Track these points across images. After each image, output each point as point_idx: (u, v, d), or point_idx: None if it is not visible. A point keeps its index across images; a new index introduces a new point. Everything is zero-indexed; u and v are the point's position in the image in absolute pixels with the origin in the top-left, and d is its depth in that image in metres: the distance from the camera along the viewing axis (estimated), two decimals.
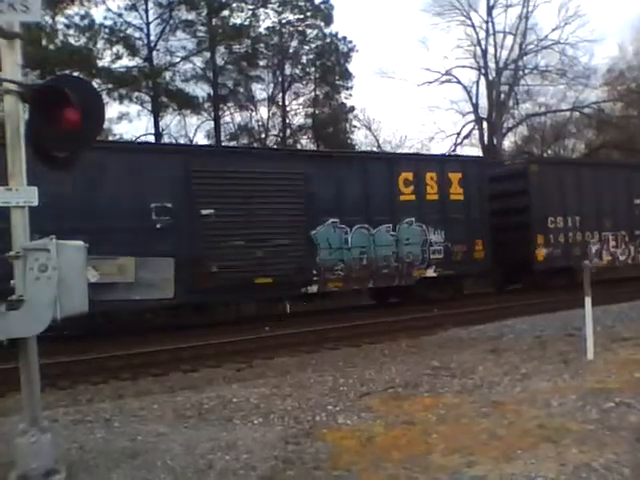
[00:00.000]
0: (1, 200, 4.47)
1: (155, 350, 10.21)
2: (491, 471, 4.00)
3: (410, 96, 56.61)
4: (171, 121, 28.56)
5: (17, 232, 4.55)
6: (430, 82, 34.69)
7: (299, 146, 29.28)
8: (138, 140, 24.20)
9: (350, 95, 32.11)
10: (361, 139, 34.12)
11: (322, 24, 30.79)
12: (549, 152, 36.86)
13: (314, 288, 14.30)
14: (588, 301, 7.54)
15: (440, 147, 35.26)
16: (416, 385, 6.60)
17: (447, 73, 34.52)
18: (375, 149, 31.59)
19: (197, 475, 4.25)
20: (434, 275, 16.16)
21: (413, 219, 15.92)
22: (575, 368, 6.90)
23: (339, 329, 12.37)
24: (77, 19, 24.94)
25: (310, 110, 31.82)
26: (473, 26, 34.22)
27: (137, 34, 26.87)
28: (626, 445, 4.29)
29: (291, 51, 30.76)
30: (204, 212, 12.95)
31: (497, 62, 34.11)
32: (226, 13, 28.56)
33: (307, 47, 31.17)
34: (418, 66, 52.31)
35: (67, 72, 22.76)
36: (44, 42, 22.90)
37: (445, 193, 16.54)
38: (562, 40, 33.30)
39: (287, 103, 31.27)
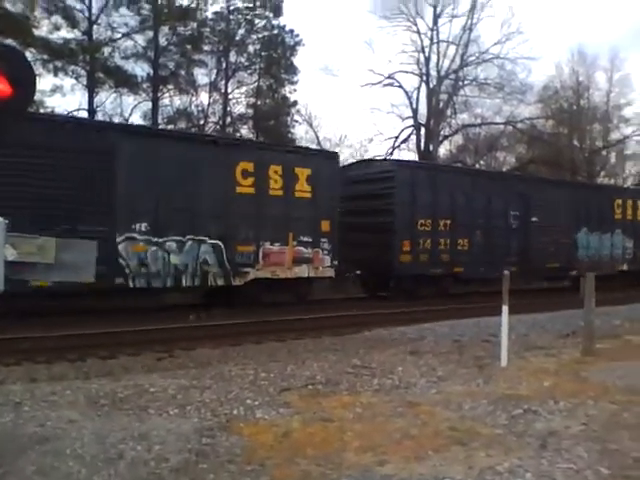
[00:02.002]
0: None
1: (73, 334, 9.89)
2: (402, 470, 4.09)
3: (352, 96, 57.02)
4: (106, 98, 27.67)
5: None
6: (373, 84, 35.02)
7: (239, 135, 28.95)
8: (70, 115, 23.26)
9: (294, 89, 32.04)
10: (302, 134, 34.16)
11: (271, 15, 30.58)
12: (482, 163, 38.00)
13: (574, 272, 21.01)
14: (505, 309, 7.82)
15: (378, 149, 35.68)
16: (336, 383, 6.67)
17: (390, 77, 34.94)
18: (315, 146, 31.64)
19: (107, 464, 4.15)
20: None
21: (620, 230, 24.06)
22: (489, 374, 7.15)
23: (264, 323, 12.35)
24: None
25: (252, 100, 31.54)
26: (418, 33, 34.78)
27: (78, 6, 25.85)
28: (531, 451, 4.48)
29: (237, 39, 30.37)
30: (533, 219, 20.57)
31: (439, 71, 34.81)
32: None
33: (254, 37, 30.85)
34: (362, 67, 52.72)
35: (0, 39, 21.77)
36: None
37: None
38: (502, 55, 34.31)
39: (229, 91, 30.89)
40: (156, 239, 12.83)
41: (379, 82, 34.90)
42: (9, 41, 21.64)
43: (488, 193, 19.31)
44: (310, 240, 15.19)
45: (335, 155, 17.48)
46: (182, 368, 7.76)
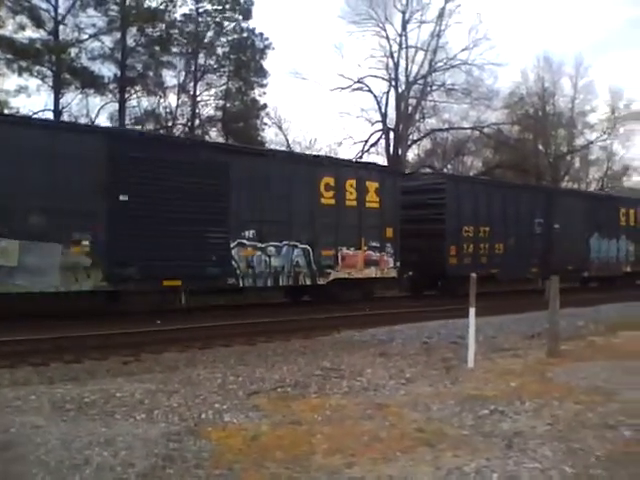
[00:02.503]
0: None
1: (36, 338, 9.67)
2: (369, 472, 4.10)
3: (322, 100, 57.33)
4: (72, 99, 27.23)
5: None
6: (342, 88, 35.23)
7: (207, 138, 28.78)
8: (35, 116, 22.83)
9: (264, 92, 31.98)
10: (271, 137, 34.13)
11: (240, 18, 30.47)
12: (449, 167, 38.45)
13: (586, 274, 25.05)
14: (472, 312, 7.92)
15: (347, 153, 35.85)
16: (305, 385, 6.67)
17: (359, 81, 35.18)
18: (284, 149, 31.64)
19: (72, 470, 4.08)
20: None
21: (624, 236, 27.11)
22: (456, 375, 7.23)
23: (233, 326, 12.29)
24: None
25: (221, 103, 31.39)
26: (387, 38, 35.10)
27: (44, 5, 25.42)
28: (497, 451, 4.53)
29: (206, 41, 30.20)
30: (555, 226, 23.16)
31: (407, 76, 35.16)
32: None
33: (223, 39, 30.72)
34: (332, 71, 53.01)
35: None
36: None
37: None
38: (470, 61, 34.82)
39: (198, 93, 30.69)
40: (260, 244, 15.06)
41: (348, 86, 35.15)
42: None
43: (518, 203, 21.96)
44: (377, 245, 17.57)
45: (397, 171, 21.90)
46: (149, 372, 7.66)
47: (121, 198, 12.67)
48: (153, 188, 13.03)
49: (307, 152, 31.77)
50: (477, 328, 8.21)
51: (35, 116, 21.93)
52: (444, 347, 9.56)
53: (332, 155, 31.82)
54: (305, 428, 5.09)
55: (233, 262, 14.57)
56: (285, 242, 15.50)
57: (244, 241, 14.76)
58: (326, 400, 6.01)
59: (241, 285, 14.86)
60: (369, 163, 22.97)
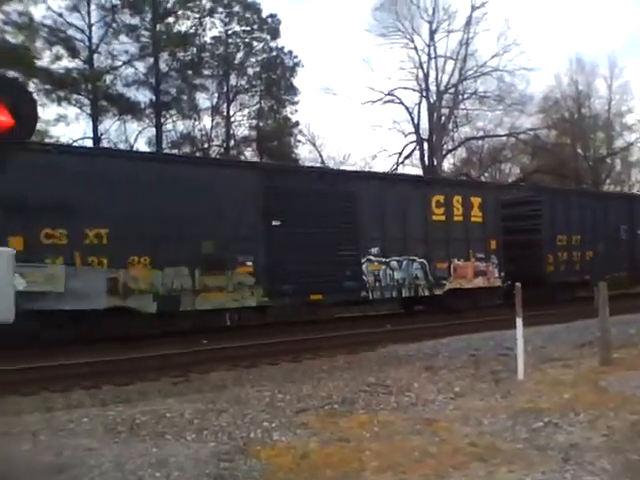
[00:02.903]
0: None
1: (88, 362, 9.83)
2: None
3: (354, 114, 57.42)
4: (110, 126, 27.94)
5: None
6: (373, 101, 35.29)
7: (243, 158, 29.12)
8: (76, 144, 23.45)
9: (295, 110, 32.29)
10: (305, 154, 34.33)
11: (268, 37, 30.93)
12: (486, 175, 38.03)
13: None
14: (519, 322, 7.76)
15: (382, 166, 35.81)
16: (352, 401, 6.61)
17: (390, 93, 35.19)
18: (318, 165, 31.78)
19: None
20: None
21: None
22: (506, 387, 7.07)
23: (279, 344, 12.29)
24: (15, 16, 24.10)
25: (254, 122, 31.78)
26: (416, 49, 35.11)
27: (78, 35, 26.23)
28: (553, 465, 4.41)
29: (237, 62, 30.68)
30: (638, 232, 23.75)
31: (438, 86, 35.06)
32: (171, 20, 28.30)
33: (253, 59, 31.20)
34: (362, 85, 53.09)
35: (2, 70, 22.07)
36: None
37: None
38: (500, 67, 34.54)
39: (231, 114, 31.15)
40: (384, 259, 16.60)
41: (379, 99, 35.20)
42: (11, 73, 22.03)
43: (604, 210, 22.84)
44: (483, 256, 18.78)
45: (496, 186, 23.15)
46: (198, 392, 7.69)
47: (274, 223, 14.53)
48: (299, 214, 14.87)
49: (341, 167, 31.88)
50: (526, 338, 8.04)
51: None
52: (492, 359, 9.36)
53: (367, 169, 31.92)
54: (354, 445, 5.04)
55: (364, 276, 16.26)
56: (405, 257, 17.01)
57: (371, 257, 16.42)
58: (374, 416, 5.95)
59: (371, 297, 16.55)
60: (472, 180, 25.87)
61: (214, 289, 13.55)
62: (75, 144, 23.26)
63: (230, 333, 13.34)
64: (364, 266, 16.19)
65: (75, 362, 9.65)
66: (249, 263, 14.07)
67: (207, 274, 13.43)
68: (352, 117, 56.73)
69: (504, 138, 37.38)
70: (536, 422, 5.48)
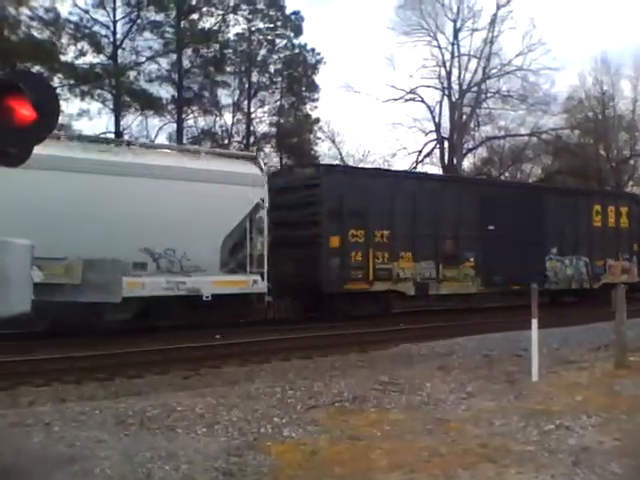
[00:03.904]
0: None
1: (101, 354, 9.93)
2: None
3: (374, 112, 57.25)
4: (132, 121, 28.20)
5: None
6: (395, 99, 35.13)
7: (262, 154, 29.22)
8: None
9: (316, 107, 32.31)
10: (325, 151, 34.31)
11: (291, 34, 30.98)
12: (507, 175, 37.69)
13: None
14: (534, 323, 7.69)
15: (401, 164, 35.60)
16: (364, 400, 6.60)
17: (411, 92, 34.99)
18: (338, 162, 31.75)
19: None
20: None
21: None
22: (519, 389, 7.01)
23: (291, 340, 12.31)
24: (42, 12, 24.46)
25: (275, 119, 31.84)
26: (439, 47, 34.88)
27: (103, 31, 26.58)
28: (563, 468, 4.37)
29: (259, 59, 30.78)
30: None
31: (460, 84, 34.80)
32: (195, 17, 28.46)
33: (275, 56, 31.28)
34: (383, 82, 52.83)
35: (28, 65, 22.39)
36: (6, 33, 22.37)
37: None
38: (525, 66, 34.17)
39: (252, 110, 31.25)
40: (560, 258, 20.61)
41: (401, 97, 35.02)
42: (36, 67, 22.35)
43: None
44: (628, 257, 22.60)
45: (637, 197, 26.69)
46: (209, 386, 7.72)
47: (489, 227, 18.44)
48: (505, 220, 18.76)
49: (360, 164, 31.85)
50: (541, 340, 7.96)
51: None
52: (506, 360, 9.28)
53: (386, 167, 31.84)
54: (364, 443, 5.03)
55: (547, 271, 20.20)
56: (574, 256, 20.94)
57: (551, 255, 20.46)
58: (385, 415, 5.94)
59: (551, 289, 20.26)
60: (621, 192, 30.08)
61: (450, 278, 17.78)
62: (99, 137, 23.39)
63: (243, 329, 13.36)
64: (547, 263, 20.23)
65: (89, 354, 9.74)
66: (472, 259, 18.17)
67: (446, 267, 17.65)
68: (372, 115, 56.67)
69: (526, 138, 37.02)
70: (548, 424, 5.43)
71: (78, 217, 10.38)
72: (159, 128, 28.91)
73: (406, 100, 35.18)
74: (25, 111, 4.29)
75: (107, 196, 10.86)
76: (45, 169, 9.78)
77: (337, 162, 31.39)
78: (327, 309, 16.01)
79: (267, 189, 13.74)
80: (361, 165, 30.96)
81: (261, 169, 14.30)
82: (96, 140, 13.62)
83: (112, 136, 25.25)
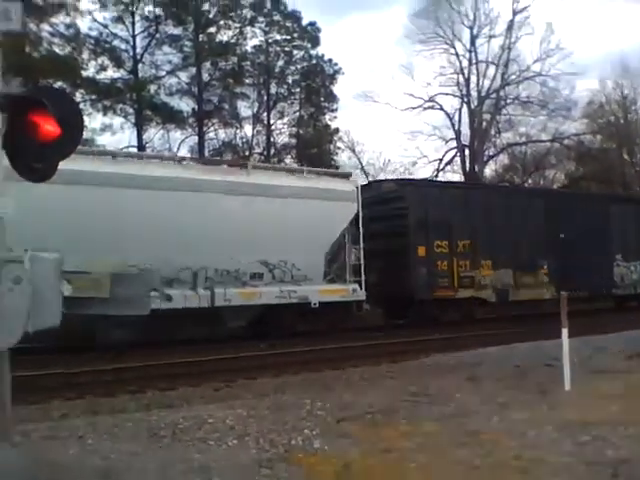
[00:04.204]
0: None
1: (133, 366, 9.92)
2: None
3: (393, 120, 57.19)
4: (154, 135, 28.48)
5: None
6: (413, 108, 35.05)
7: (283, 165, 29.32)
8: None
9: (335, 117, 32.37)
10: (345, 160, 34.31)
11: (309, 45, 31.12)
12: (529, 182, 37.36)
13: None
14: (565, 332, 7.58)
15: (422, 172, 35.47)
16: (394, 411, 6.54)
17: (430, 100, 34.90)
18: (358, 171, 31.78)
19: None
20: None
21: None
22: (552, 399, 6.90)
23: (321, 351, 12.21)
24: (62, 28, 24.88)
25: (294, 130, 31.96)
26: (456, 55, 34.79)
27: (123, 46, 26.94)
28: None
29: (277, 70, 30.97)
30: None
31: (479, 91, 34.65)
32: (213, 30, 28.74)
33: (293, 67, 31.44)
34: (402, 91, 52.78)
35: (50, 81, 22.75)
36: (27, 49, 22.74)
37: None
38: (543, 72, 33.94)
39: (272, 122, 31.42)
40: (625, 264, 21.24)
41: (419, 106, 34.94)
42: (58, 83, 22.71)
43: None
44: None
45: None
46: (240, 398, 7.67)
47: (561, 235, 19.13)
48: (573, 229, 19.22)
49: (381, 173, 31.89)
50: (573, 349, 7.83)
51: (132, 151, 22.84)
52: (538, 369, 9.13)
53: (407, 175, 31.79)
54: (396, 456, 4.98)
55: (614, 277, 20.82)
56: (637, 262, 21.54)
57: (618, 262, 21.06)
58: (416, 426, 5.87)
59: (620, 294, 21.19)
60: None
61: (526, 285, 18.40)
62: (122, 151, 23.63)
63: (278, 340, 13.25)
64: (615, 269, 20.88)
65: (123, 366, 9.74)
66: (545, 266, 18.93)
67: (522, 274, 18.28)
68: (392, 123, 56.58)
69: (548, 144, 36.67)
70: (583, 435, 5.32)
71: (209, 234, 11.61)
72: (181, 141, 29.25)
73: (425, 108, 35.13)
74: (49, 127, 4.35)
75: (234, 214, 12.12)
76: (187, 190, 11.49)
77: (358, 171, 31.39)
78: (416, 315, 16.82)
79: (360, 203, 14.71)
80: (382, 174, 30.98)
81: (355, 186, 15.32)
82: (219, 162, 16.37)
83: (135, 150, 25.55)
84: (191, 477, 4.50)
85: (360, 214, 14.65)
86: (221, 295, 11.74)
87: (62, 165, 4.58)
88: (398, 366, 10.72)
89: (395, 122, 61.22)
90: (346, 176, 16.73)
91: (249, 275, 12.60)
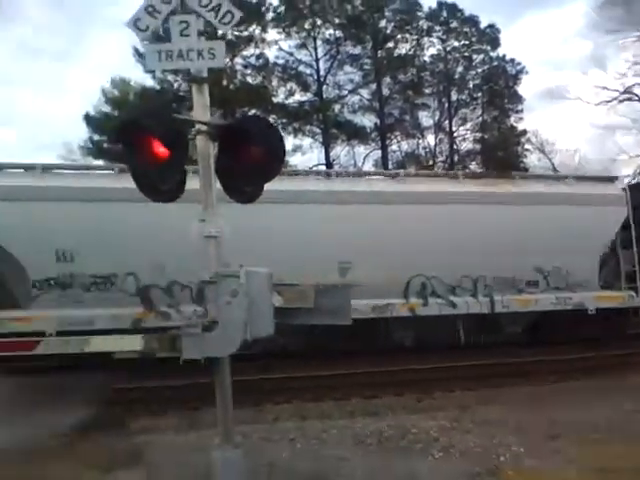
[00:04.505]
0: (197, 230, 4.87)
1: (337, 374, 10.13)
2: None
3: (585, 116, 53.32)
4: (340, 151, 29.49)
5: (210, 260, 4.90)
6: (608, 101, 32.33)
7: (467, 171, 28.68)
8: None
9: (520, 118, 30.97)
10: (534, 162, 32.62)
11: (488, 48, 30.25)
12: None
13: None
14: None
15: (624, 169, 32.48)
16: (609, 429, 6.04)
17: (626, 91, 31.97)
18: (551, 172, 30.01)
19: None
20: None
21: None
22: None
23: (523, 364, 11.49)
24: (253, 59, 26.90)
25: (478, 135, 31.15)
26: None
27: (308, 70, 28.30)
28: None
29: (457, 77, 30.49)
30: None
31: None
32: (391, 45, 29.13)
33: (473, 72, 30.73)
34: (592, 84, 49.11)
35: (246, 110, 24.65)
36: (224, 82, 24.84)
37: None
38: None
39: (454, 129, 30.92)
40: None
41: (614, 98, 32.13)
42: (252, 111, 24.53)
43: None
44: None
45: None
46: (442, 410, 7.53)
47: None
48: None
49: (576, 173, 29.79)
50: None
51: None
52: None
53: (607, 174, 29.42)
54: (614, 476, 4.59)
55: None
56: None
57: None
58: (635, 446, 5.35)
59: None
60: None
61: None
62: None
63: (469, 350, 12.84)
64: None
65: (328, 373, 9.96)
66: None
67: None
68: (583, 119, 52.72)
69: None
70: None
71: (486, 243, 11.86)
72: (365, 156, 29.93)
73: (620, 101, 32.25)
74: (255, 152, 4.69)
75: (508, 224, 12.35)
76: (463, 203, 11.94)
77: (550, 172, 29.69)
78: None
79: (630, 206, 14.11)
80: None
81: (623, 188, 14.89)
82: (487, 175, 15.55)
83: (324, 167, 26.60)
84: None
85: (631, 217, 14.07)
86: (499, 302, 12.15)
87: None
88: (608, 381, 9.71)
89: (587, 117, 57.06)
90: (611, 180, 16.08)
91: (524, 282, 12.76)
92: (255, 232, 8.85)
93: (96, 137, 26.91)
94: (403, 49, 29.10)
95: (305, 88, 28.02)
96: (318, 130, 27.99)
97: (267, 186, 4.77)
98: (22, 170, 10.31)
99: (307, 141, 28.40)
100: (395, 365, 10.45)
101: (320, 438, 5.99)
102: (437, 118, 30.65)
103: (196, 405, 7.72)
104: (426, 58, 29.74)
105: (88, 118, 26.85)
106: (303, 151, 28.50)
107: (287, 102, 27.30)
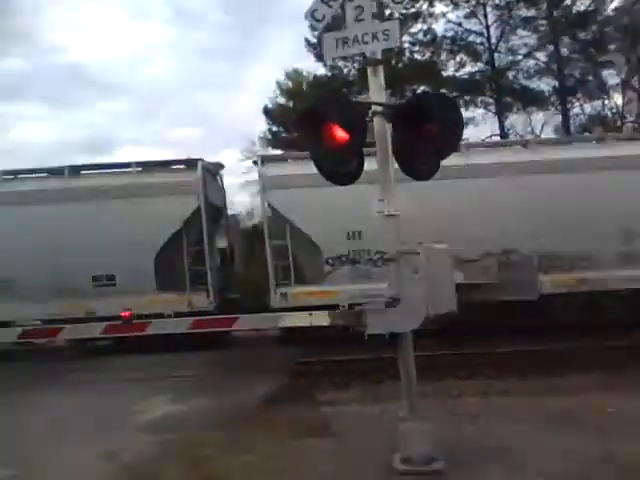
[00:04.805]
0: (376, 209, 5.05)
1: (517, 350, 9.81)
2: None
3: None
4: (516, 120, 28.18)
5: (389, 238, 5.04)
6: None
7: None
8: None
9: None
10: None
11: None
12: None
13: None
14: None
15: None
16: None
17: None
18: None
19: None
20: None
21: None
22: None
23: None
24: (420, 35, 26.47)
25: None
26: None
27: (478, 40, 27.26)
28: None
29: None
30: None
31: None
32: (568, 2, 27.10)
33: None
34: None
35: (415, 87, 24.45)
36: (393, 62, 24.80)
37: None
38: None
39: None
40: None
41: None
42: (421, 87, 24.26)
43: None
44: None
45: None
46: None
47: None
48: None
49: None
50: None
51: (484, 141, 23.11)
52: None
53: None
54: None
55: None
56: None
57: None
58: None
59: None
60: None
61: None
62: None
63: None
64: None
65: (501, 350, 9.69)
66: None
67: None
68: None
69: None
70: None
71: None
72: (544, 122, 28.31)
73: None
74: (433, 130, 4.72)
75: None
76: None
77: None
78: None
79: None
80: None
81: None
82: None
83: (498, 138, 25.65)
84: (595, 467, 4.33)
85: None
86: None
87: None
88: None
89: None
90: None
91: None
92: None
93: (274, 128, 28.55)
94: (582, 5, 26.92)
95: (476, 58, 27.03)
96: (491, 100, 26.97)
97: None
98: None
99: (478, 112, 27.49)
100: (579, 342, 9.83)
101: (503, 414, 5.91)
102: (624, 75, 28.05)
103: (379, 378, 7.93)
104: (609, 12, 27.26)
105: (266, 111, 28.65)
106: (475, 123, 27.60)
107: (457, 75, 26.54)
